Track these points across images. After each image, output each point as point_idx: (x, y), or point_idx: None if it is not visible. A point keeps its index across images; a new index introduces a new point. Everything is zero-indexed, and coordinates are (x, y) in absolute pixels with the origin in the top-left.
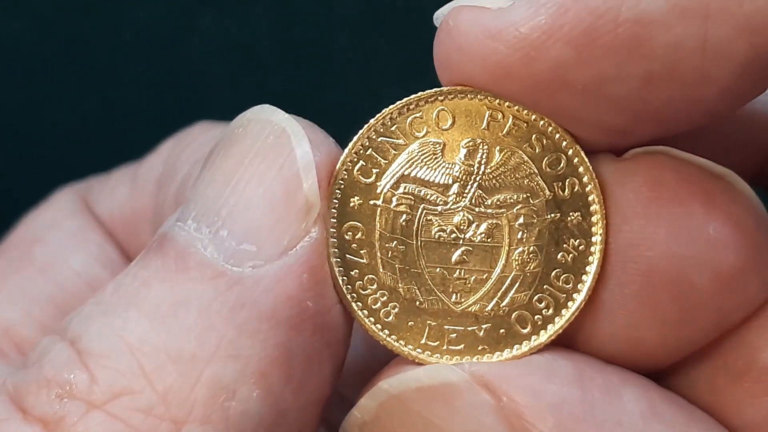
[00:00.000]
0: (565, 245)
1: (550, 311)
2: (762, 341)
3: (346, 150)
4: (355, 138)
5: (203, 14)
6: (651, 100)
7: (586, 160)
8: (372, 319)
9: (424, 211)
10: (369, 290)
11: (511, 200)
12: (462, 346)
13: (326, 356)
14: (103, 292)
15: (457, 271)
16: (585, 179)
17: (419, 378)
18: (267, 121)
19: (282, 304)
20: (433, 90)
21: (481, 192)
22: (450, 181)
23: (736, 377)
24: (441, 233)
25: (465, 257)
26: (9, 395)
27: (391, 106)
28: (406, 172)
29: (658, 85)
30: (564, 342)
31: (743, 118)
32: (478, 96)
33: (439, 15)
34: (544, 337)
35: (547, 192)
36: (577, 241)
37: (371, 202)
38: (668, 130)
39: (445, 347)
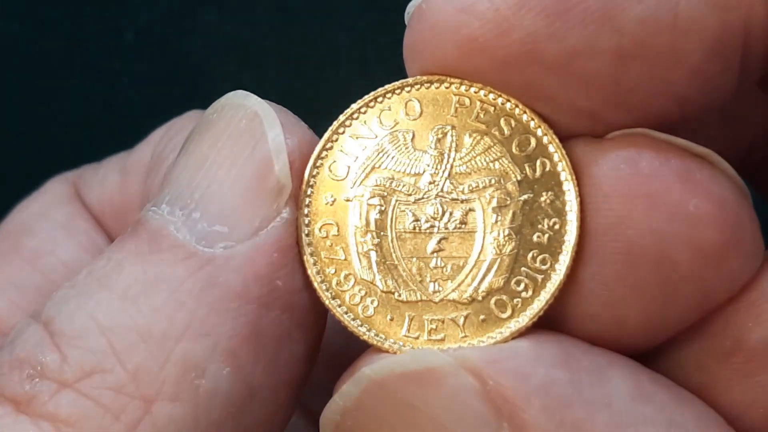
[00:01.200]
0: (540, 225)
1: (529, 293)
2: (749, 321)
3: (317, 148)
4: (325, 135)
5: (204, 13)
6: (622, 79)
7: (556, 138)
8: (351, 315)
9: (397, 202)
10: (346, 286)
11: (483, 184)
12: (442, 335)
13: (298, 336)
14: (77, 275)
15: (434, 260)
16: (555, 158)
17: (403, 363)
18: (240, 106)
19: (252, 283)
20: (400, 81)
21: (452, 179)
22: (421, 170)
23: (724, 357)
24: (415, 223)
25: (441, 245)
26: None
27: (358, 101)
28: (377, 165)
29: (629, 62)
30: (546, 325)
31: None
32: (444, 84)
33: (411, 7)
34: (524, 320)
35: (519, 173)
36: (552, 220)
37: (343, 197)
38: (639, 117)
39: (425, 338)
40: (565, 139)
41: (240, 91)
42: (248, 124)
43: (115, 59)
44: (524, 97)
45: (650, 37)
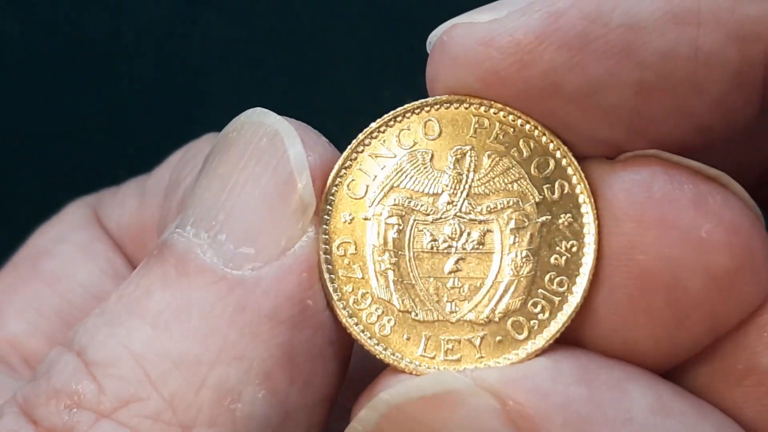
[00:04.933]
0: (557, 248)
1: (546, 315)
2: (761, 345)
3: (336, 166)
4: (344, 154)
5: (204, 15)
6: (643, 111)
7: (575, 161)
8: (368, 333)
9: (415, 222)
10: (363, 305)
11: (502, 205)
12: (459, 356)
13: (330, 354)
14: (106, 302)
15: (451, 280)
16: (574, 180)
17: (422, 387)
18: (259, 124)
19: (283, 304)
20: (419, 101)
21: (471, 199)
22: (440, 191)
23: (736, 380)
24: (433, 243)
25: (458, 266)
26: (20, 407)
27: (378, 120)
28: (395, 184)
29: (651, 95)
30: (562, 342)
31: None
32: (464, 104)
33: (433, 37)
34: (540, 342)
35: (537, 195)
36: (570, 242)
37: (362, 216)
38: (660, 146)
39: (442, 358)
40: (581, 159)
41: (259, 109)
42: (269, 142)
43: (115, 59)
44: (545, 125)
45: (671, 70)
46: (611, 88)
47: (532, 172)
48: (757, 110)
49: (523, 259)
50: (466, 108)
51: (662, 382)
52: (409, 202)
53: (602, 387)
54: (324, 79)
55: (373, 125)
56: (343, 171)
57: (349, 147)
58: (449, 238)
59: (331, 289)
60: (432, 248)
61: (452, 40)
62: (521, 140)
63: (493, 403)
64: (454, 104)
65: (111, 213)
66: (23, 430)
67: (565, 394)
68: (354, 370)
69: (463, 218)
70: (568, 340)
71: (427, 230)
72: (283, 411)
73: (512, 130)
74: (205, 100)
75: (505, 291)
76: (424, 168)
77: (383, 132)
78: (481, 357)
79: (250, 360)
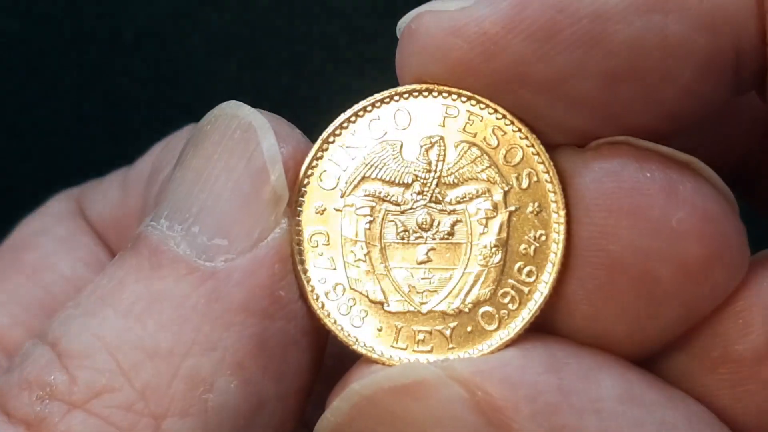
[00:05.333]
0: (526, 237)
1: (515, 305)
2: (735, 332)
3: (307, 158)
4: (315, 145)
5: (204, 13)
6: (612, 101)
7: (543, 150)
8: (340, 325)
9: (386, 213)
10: (336, 296)
11: (471, 195)
12: (430, 346)
13: (304, 345)
14: (81, 294)
15: (422, 270)
16: (542, 169)
17: (391, 377)
18: (233, 116)
19: (255, 295)
20: (389, 91)
21: (440, 188)
22: (410, 180)
23: (711, 367)
24: (404, 233)
25: (428, 256)
26: None
27: (348, 110)
28: (366, 175)
29: (619, 84)
30: (530, 336)
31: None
32: (433, 93)
33: (402, 24)
34: (511, 332)
35: (506, 184)
36: (538, 232)
37: (333, 207)
38: (630, 133)
39: (414, 348)
40: (551, 147)
41: (232, 102)
42: (242, 134)
43: (115, 59)
44: (514, 114)
45: (640, 59)
46: (579, 78)
47: (501, 161)
48: (728, 96)
49: (493, 249)
50: (434, 97)
51: (634, 371)
52: (380, 192)
53: (572, 376)
54: (324, 79)
55: (343, 116)
56: (315, 162)
57: (320, 138)
58: (420, 228)
59: (303, 280)
60: (403, 239)
61: (420, 28)
62: (489, 129)
63: (462, 393)
64: (423, 93)
65: (94, 205)
66: None
67: (533, 384)
68: (332, 361)
69: (433, 208)
70: (541, 329)
71: (398, 221)
72: (256, 401)
73: (480, 119)
74: (204, 98)
75: (475, 281)
76: (394, 158)
77: (353, 122)
78: (452, 348)
79: (222, 350)
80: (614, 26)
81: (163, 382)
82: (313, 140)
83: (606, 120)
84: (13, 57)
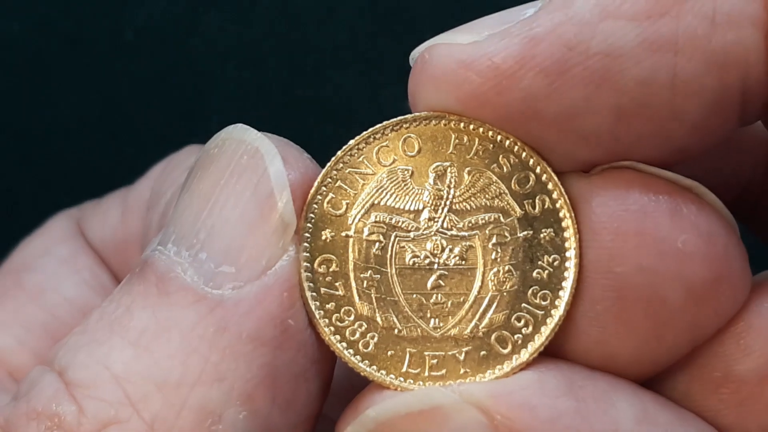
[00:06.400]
0: (539, 262)
1: (530, 329)
2: (737, 352)
3: (315, 183)
4: (323, 171)
5: (204, 14)
6: (622, 135)
7: (555, 176)
8: (351, 351)
9: (397, 239)
10: (347, 322)
11: (483, 221)
12: (444, 371)
13: (312, 373)
14: (87, 320)
15: (434, 296)
16: (555, 195)
17: (408, 403)
18: (240, 141)
19: (264, 325)
20: (398, 118)
21: (452, 215)
22: (420, 207)
23: (714, 388)
24: (415, 259)
25: (441, 282)
26: (1, 428)
27: (357, 137)
28: (376, 201)
29: (629, 120)
30: (543, 360)
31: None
32: (443, 120)
33: (415, 53)
34: (525, 355)
35: (518, 210)
36: (551, 257)
37: (343, 234)
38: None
39: (426, 374)
40: (558, 173)
41: (240, 125)
42: (249, 160)
43: (115, 59)
44: (524, 142)
45: (649, 97)
46: (590, 113)
47: (513, 187)
48: (734, 128)
49: (506, 274)
50: (445, 124)
51: (645, 392)
52: (390, 219)
53: (588, 399)
54: (324, 79)
55: (352, 142)
56: (323, 188)
57: (329, 164)
58: (431, 254)
59: (313, 307)
60: (414, 264)
61: (433, 59)
62: (501, 156)
63: (480, 418)
64: (433, 120)
65: (94, 226)
66: None
67: (552, 408)
68: (339, 382)
69: (445, 234)
70: (551, 353)
71: (409, 247)
72: (265, 431)
73: (492, 145)
74: (205, 99)
75: (489, 306)
76: (404, 185)
77: (362, 149)
78: (466, 372)
79: (231, 381)
80: (625, 64)
81: (172, 413)
82: (322, 164)
83: (614, 153)
84: (13, 57)
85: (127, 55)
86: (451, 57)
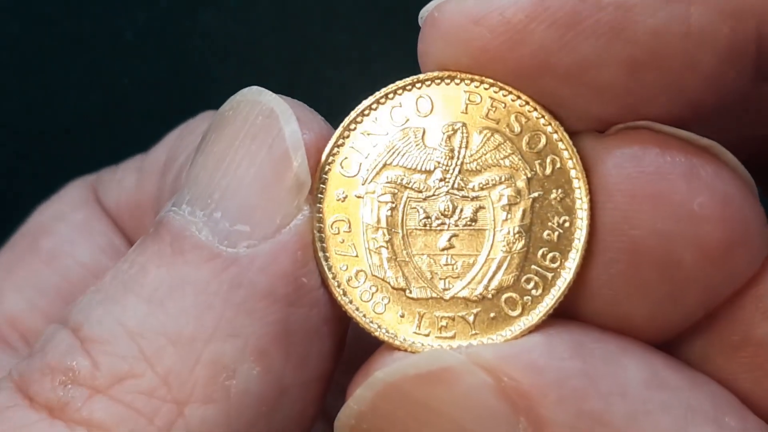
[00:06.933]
0: (549, 223)
1: (539, 291)
2: (756, 316)
3: (328, 144)
4: (336, 132)
5: (204, 13)
6: (635, 88)
7: (567, 136)
8: (362, 311)
9: (408, 199)
10: (358, 283)
11: (494, 181)
12: (453, 332)
13: (325, 332)
14: (102, 280)
15: (444, 257)
16: (566, 155)
17: (417, 364)
18: (255, 102)
19: (278, 282)
20: (411, 78)
21: (463, 175)
22: (432, 167)
23: (732, 351)
24: (426, 220)
25: (451, 242)
26: (15, 383)
27: (370, 97)
28: (388, 161)
29: (642, 72)
30: (554, 321)
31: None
32: (455, 81)
33: (424, 12)
34: (534, 318)
35: (529, 171)
36: (562, 218)
37: (355, 194)
38: (653, 120)
39: (437, 335)
40: (572, 133)
41: (255, 87)
42: (264, 120)
43: (115, 59)
44: (536, 100)
45: (663, 47)
46: (602, 66)
47: (524, 147)
48: (750, 83)
49: (516, 235)
50: (457, 84)
51: (657, 355)
52: (402, 179)
53: (597, 361)
54: (324, 78)
55: (365, 103)
56: (336, 149)
57: (342, 125)
58: (442, 215)
59: (325, 267)
60: (425, 225)
61: (443, 16)
62: (512, 116)
63: (488, 379)
64: (446, 80)
65: (109, 191)
66: (18, 406)
67: (560, 369)
68: (351, 348)
69: (456, 195)
70: (563, 315)
71: (420, 207)
72: (278, 388)
73: (503, 106)
74: (205, 97)
75: (498, 267)
76: (417, 145)
77: (375, 109)
78: (476, 333)
79: (245, 337)
80: (637, 15)
81: (186, 368)
82: (335, 127)
83: (628, 108)
84: (13, 57)
85: (127, 55)
86: (461, 13)
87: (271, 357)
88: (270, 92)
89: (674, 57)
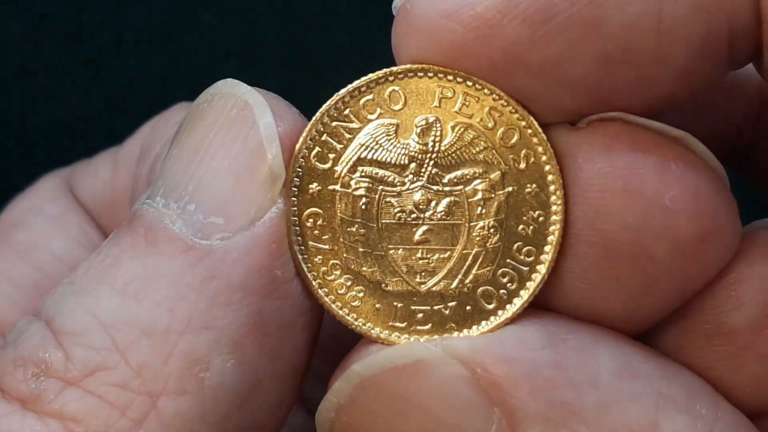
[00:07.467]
0: (524, 217)
1: (514, 285)
2: (728, 304)
3: (302, 136)
4: (309, 124)
5: (203, 13)
6: (607, 82)
7: (541, 131)
8: (339, 304)
9: (383, 193)
10: (334, 275)
11: (468, 176)
12: (429, 325)
13: (300, 324)
14: (75, 272)
15: (420, 251)
16: (540, 150)
17: (392, 357)
18: (230, 95)
19: (253, 274)
20: (383, 71)
21: (437, 170)
22: (406, 161)
23: (706, 340)
24: (401, 214)
25: (427, 236)
26: None
27: (342, 90)
28: (362, 155)
29: (614, 67)
30: (528, 313)
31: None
32: (428, 74)
33: (397, 2)
34: (510, 310)
35: (503, 165)
36: (536, 212)
37: (330, 188)
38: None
39: (413, 328)
40: (544, 126)
41: (230, 80)
42: (239, 113)
43: (115, 59)
44: (509, 95)
45: (634, 42)
46: (574, 61)
47: (498, 142)
48: (722, 73)
49: (491, 230)
50: (430, 77)
51: (631, 345)
52: (377, 173)
53: (569, 351)
54: (324, 79)
55: (338, 95)
56: (309, 142)
57: (315, 117)
58: (417, 209)
59: (301, 260)
60: (400, 219)
61: (415, 9)
62: (486, 110)
63: (462, 371)
64: (419, 74)
65: (83, 184)
66: None
67: (531, 360)
68: (331, 340)
69: (430, 189)
70: (539, 307)
71: (395, 201)
72: (253, 380)
73: (476, 100)
74: None
75: (474, 261)
76: (390, 139)
77: (347, 102)
78: (452, 327)
79: (219, 329)
80: (609, 10)
81: (159, 360)
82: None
83: (600, 101)
84: (13, 57)
85: (127, 55)
86: (433, 7)
87: (246, 349)
88: (245, 84)
89: (646, 51)
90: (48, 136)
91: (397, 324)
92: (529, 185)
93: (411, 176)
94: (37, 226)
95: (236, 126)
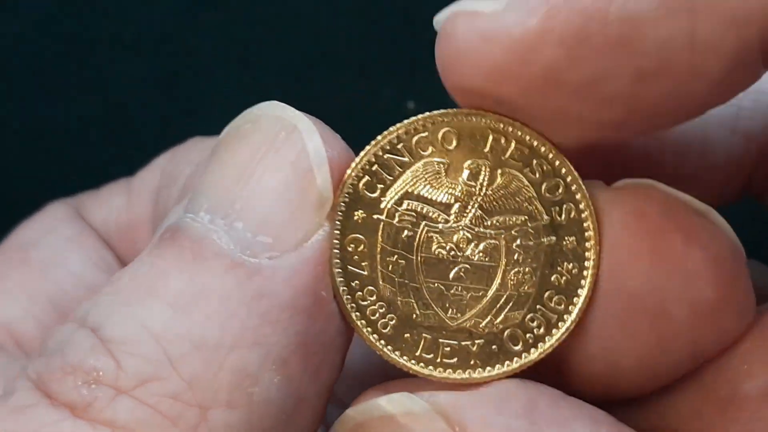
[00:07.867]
0: (559, 268)
1: (542, 330)
2: (743, 371)
3: (353, 164)
4: (362, 153)
5: (204, 13)
6: (643, 96)
7: (583, 187)
8: (370, 329)
9: (426, 228)
10: (368, 301)
11: (510, 222)
12: (455, 359)
13: (338, 344)
14: (117, 281)
15: (455, 287)
16: (582, 206)
17: (382, 407)
18: (277, 118)
19: (300, 294)
20: (440, 111)
21: (481, 212)
22: (452, 201)
23: (720, 406)
24: (440, 250)
25: (462, 274)
26: (33, 383)
27: (398, 125)
28: (409, 189)
29: (650, 82)
30: (549, 360)
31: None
32: (483, 119)
33: (439, 20)
34: (534, 354)
35: (545, 216)
36: (571, 264)
37: (375, 216)
38: (661, 123)
39: (439, 360)
40: (585, 180)
41: (275, 102)
42: (287, 135)
43: (115, 59)
44: (549, 114)
45: (669, 58)
46: (610, 78)
47: (542, 193)
48: (758, 77)
49: (525, 276)
50: (485, 122)
51: (609, 423)
52: (422, 208)
53: (544, 423)
54: (324, 79)
55: (393, 129)
56: (360, 170)
57: (368, 147)
58: (456, 247)
59: (339, 283)
60: (439, 255)
61: (455, 32)
62: (534, 161)
63: (444, 427)
64: (474, 117)
65: (95, 211)
66: (40, 404)
67: (506, 427)
68: (358, 368)
69: (472, 230)
70: (557, 356)
71: (436, 237)
72: (297, 397)
73: (527, 150)
74: (205, 99)
75: (505, 304)
76: (439, 177)
77: (402, 137)
78: (476, 363)
79: (268, 346)
80: (643, 29)
81: (210, 373)
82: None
83: (639, 113)
84: (13, 57)
85: (127, 55)
86: (472, 30)
87: (291, 366)
88: (292, 108)
89: (681, 66)
90: (48, 136)
91: (424, 355)
92: (567, 238)
93: (455, 216)
94: (54, 245)
95: (285, 148)
